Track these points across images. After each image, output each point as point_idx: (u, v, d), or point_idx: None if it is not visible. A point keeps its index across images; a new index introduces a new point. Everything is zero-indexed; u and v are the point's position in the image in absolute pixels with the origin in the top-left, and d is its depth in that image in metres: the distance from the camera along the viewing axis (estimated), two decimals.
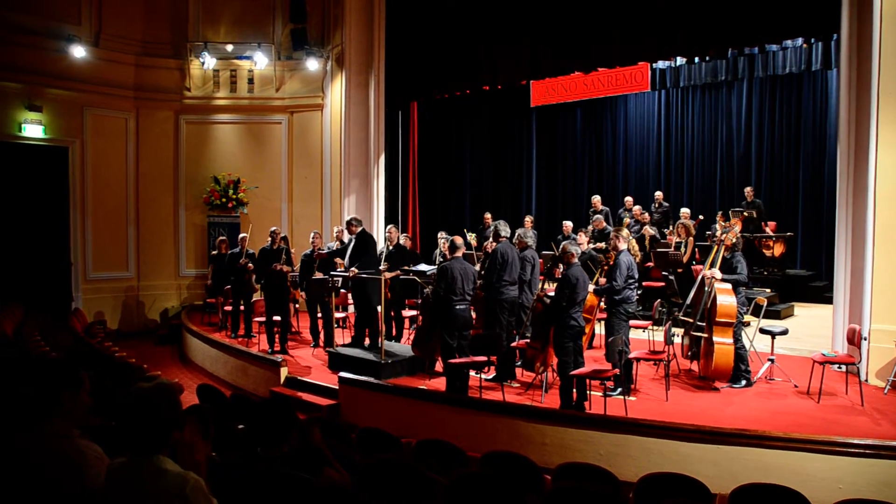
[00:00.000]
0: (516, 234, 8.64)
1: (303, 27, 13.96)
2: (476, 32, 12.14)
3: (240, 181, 14.21)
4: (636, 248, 8.16)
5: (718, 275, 7.61)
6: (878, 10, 7.59)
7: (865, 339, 7.66)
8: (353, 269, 9.16)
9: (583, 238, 10.21)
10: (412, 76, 13.36)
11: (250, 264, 10.95)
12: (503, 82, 12.94)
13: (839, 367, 7.84)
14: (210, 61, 13.88)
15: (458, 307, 7.72)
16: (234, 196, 14.13)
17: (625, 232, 8.06)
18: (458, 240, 8.02)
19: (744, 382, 7.65)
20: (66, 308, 12.64)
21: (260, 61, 13.97)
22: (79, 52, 12.68)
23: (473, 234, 11.99)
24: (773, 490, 4.09)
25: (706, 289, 7.85)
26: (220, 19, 14.32)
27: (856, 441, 5.43)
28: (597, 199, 13.79)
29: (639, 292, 9.46)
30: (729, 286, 7.57)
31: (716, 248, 8.17)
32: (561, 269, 7.39)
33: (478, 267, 9.07)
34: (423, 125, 15.40)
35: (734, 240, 7.88)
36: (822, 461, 5.36)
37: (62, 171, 13.06)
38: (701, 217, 12.30)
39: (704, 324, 7.79)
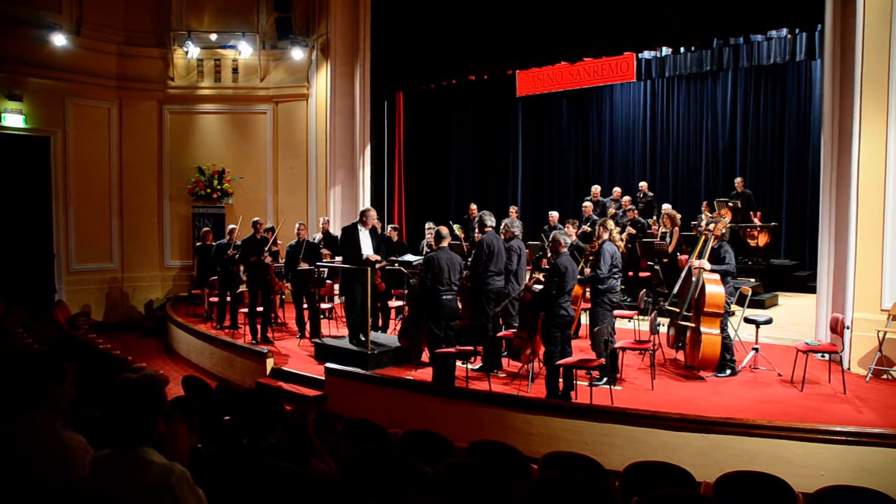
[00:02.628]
0: (502, 224, 8.64)
1: (287, 16, 13.86)
2: (462, 22, 12.10)
3: (224, 172, 14.11)
4: (617, 237, 8.19)
5: (707, 265, 7.64)
6: (861, 1, 7.63)
7: (848, 328, 7.74)
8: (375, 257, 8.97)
9: (571, 229, 10.20)
10: (398, 66, 13.30)
11: (237, 255, 10.92)
12: (489, 72, 12.92)
13: (822, 356, 7.92)
14: (194, 50, 13.75)
15: (444, 297, 7.72)
16: (219, 187, 14.04)
17: (610, 223, 8.07)
18: (444, 230, 8.01)
19: (728, 372, 7.70)
20: (49, 300, 12.53)
21: (244, 50, 13.86)
22: (59, 40, 12.50)
23: (459, 226, 11.99)
24: (756, 477, 4.13)
25: (693, 279, 7.89)
26: (203, 8, 14.19)
27: (838, 428, 5.49)
28: (596, 188, 13.81)
29: (622, 286, 9.47)
30: (717, 277, 7.60)
31: (703, 238, 8.20)
32: (549, 258, 7.39)
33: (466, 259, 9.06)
34: (409, 115, 15.34)
35: (724, 230, 7.92)
36: (804, 448, 5.41)
37: (44, 162, 12.90)
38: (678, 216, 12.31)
39: (692, 314, 7.83)
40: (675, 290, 8.45)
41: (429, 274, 7.70)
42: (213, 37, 13.91)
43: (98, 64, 13.43)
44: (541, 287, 7.35)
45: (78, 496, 2.59)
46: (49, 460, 2.68)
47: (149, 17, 14.02)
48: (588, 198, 13.57)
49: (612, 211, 12.69)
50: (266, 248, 10.31)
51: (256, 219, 10.71)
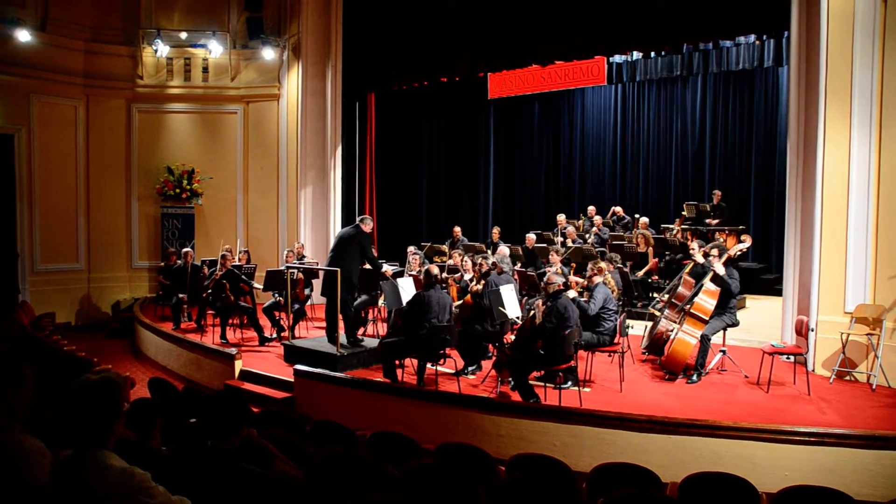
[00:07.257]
0: (494, 259, 8.82)
1: (259, 16, 13.76)
2: (434, 24, 12.11)
3: (194, 172, 13.95)
4: (612, 281, 8.29)
5: (721, 269, 7.74)
6: (825, 9, 7.76)
7: (812, 331, 7.87)
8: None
9: (555, 258, 10.03)
10: (370, 67, 13.27)
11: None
12: (461, 74, 12.94)
13: (787, 358, 8.03)
14: (163, 49, 13.58)
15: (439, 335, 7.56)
16: (189, 187, 13.87)
17: (604, 265, 8.18)
18: (434, 268, 8.00)
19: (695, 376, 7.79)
20: (12, 301, 12.28)
21: (215, 50, 13.72)
22: (24, 36, 12.21)
23: (445, 257, 12.06)
24: (721, 478, 4.17)
25: (700, 281, 8.05)
26: (173, 6, 14.01)
27: (801, 429, 5.57)
28: (561, 217, 13.84)
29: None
30: (717, 289, 7.71)
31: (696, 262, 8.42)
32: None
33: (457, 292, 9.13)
34: (380, 117, 15.32)
35: (737, 255, 8.19)
36: (769, 449, 5.49)
37: (7, 160, 12.62)
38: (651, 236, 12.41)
39: (677, 313, 7.97)
40: (665, 296, 8.69)
41: (416, 309, 7.66)
42: (183, 35, 13.75)
43: (64, 61, 13.18)
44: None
45: (36, 500, 2.55)
46: (8, 464, 2.63)
47: (117, 15, 13.80)
48: (567, 222, 13.49)
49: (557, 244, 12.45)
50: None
51: (186, 250, 11.49)
